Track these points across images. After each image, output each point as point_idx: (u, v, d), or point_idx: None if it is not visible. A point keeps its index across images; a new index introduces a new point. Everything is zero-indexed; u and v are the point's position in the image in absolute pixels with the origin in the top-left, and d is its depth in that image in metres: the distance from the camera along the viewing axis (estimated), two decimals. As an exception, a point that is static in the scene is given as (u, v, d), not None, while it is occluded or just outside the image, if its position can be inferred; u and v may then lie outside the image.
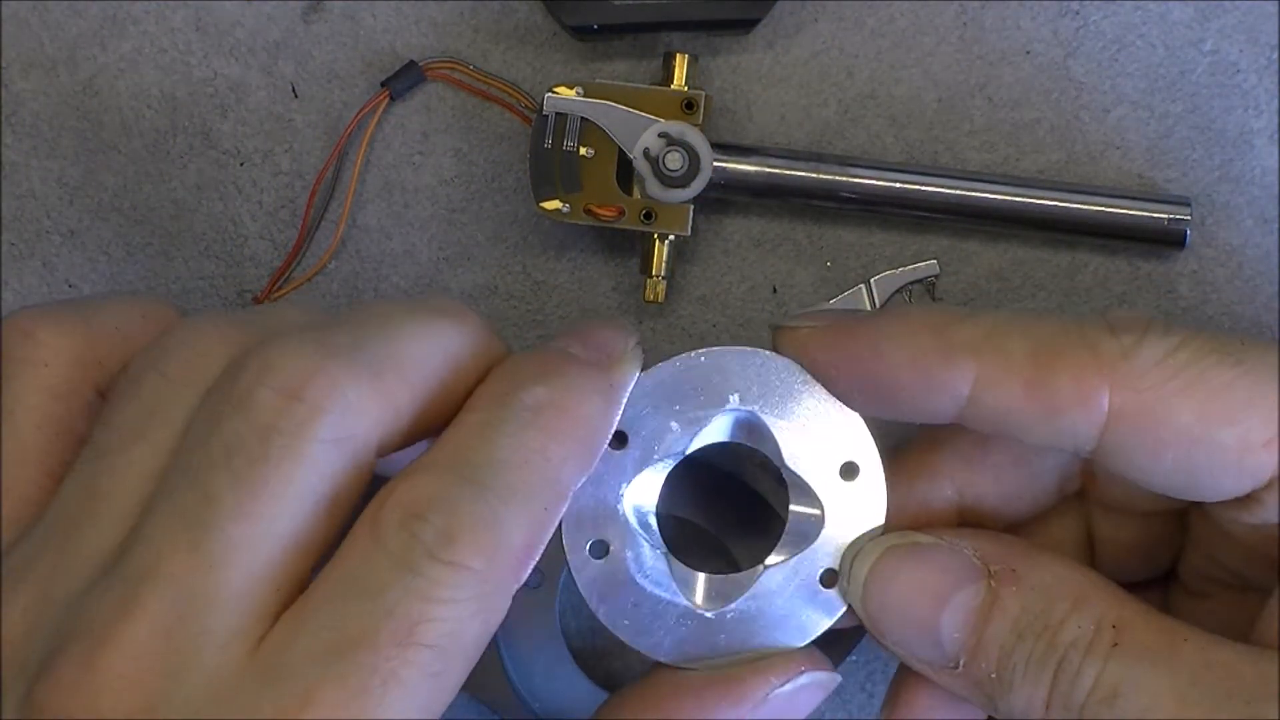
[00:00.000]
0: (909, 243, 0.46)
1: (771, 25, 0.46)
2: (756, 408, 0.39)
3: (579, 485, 0.34)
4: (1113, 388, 0.34)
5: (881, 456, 0.39)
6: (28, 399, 0.34)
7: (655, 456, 0.38)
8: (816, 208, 0.45)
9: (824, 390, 0.39)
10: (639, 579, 0.38)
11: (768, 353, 0.38)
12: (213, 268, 0.46)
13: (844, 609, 0.38)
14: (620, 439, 0.38)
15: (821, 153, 0.45)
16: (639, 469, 0.38)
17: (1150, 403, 0.34)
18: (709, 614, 0.38)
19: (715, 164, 0.43)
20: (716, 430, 0.39)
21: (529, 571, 0.33)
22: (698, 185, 0.43)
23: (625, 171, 0.44)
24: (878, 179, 0.44)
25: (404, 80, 0.45)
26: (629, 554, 0.38)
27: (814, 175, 0.44)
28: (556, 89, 0.43)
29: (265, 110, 0.46)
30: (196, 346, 0.33)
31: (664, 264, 0.44)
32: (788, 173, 0.44)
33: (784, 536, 0.39)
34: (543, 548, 0.33)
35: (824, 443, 0.39)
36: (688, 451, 0.39)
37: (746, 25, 0.44)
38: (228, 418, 0.32)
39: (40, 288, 0.46)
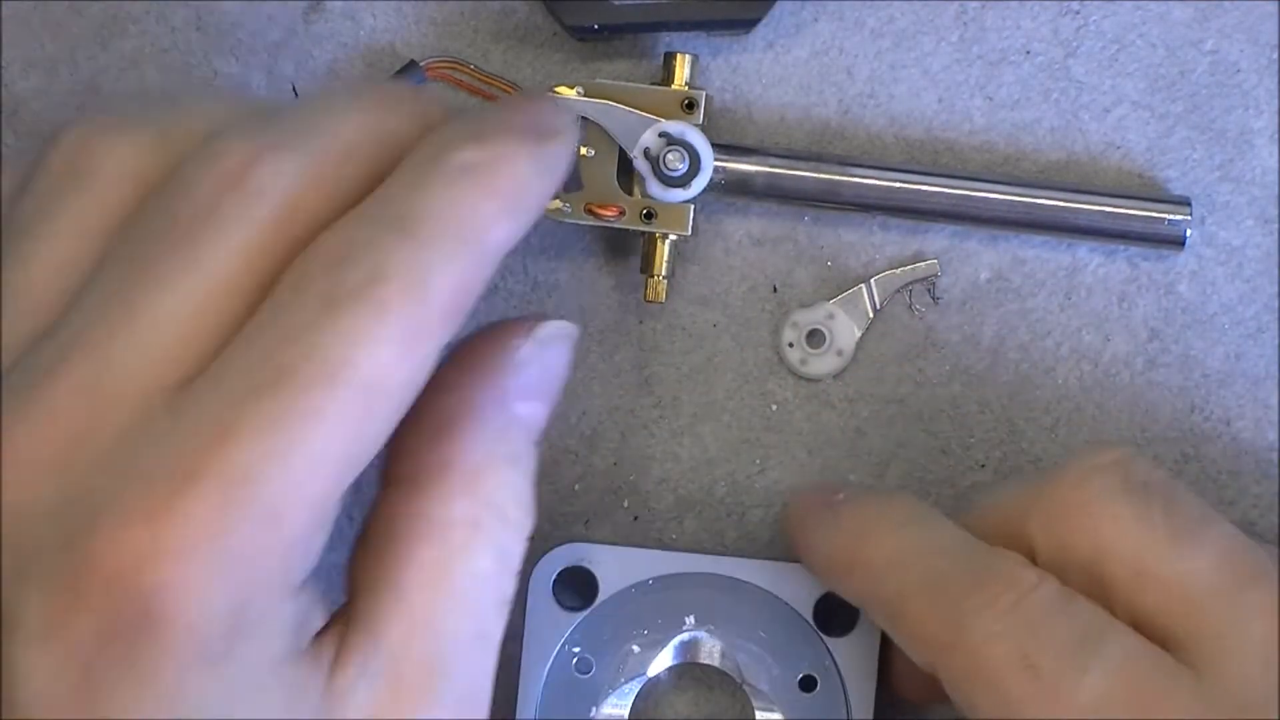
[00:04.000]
0: (909, 243, 0.46)
1: (772, 25, 0.46)
2: (711, 628, 0.43)
3: (509, 246, 0.34)
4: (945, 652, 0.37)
5: (841, 669, 0.43)
6: None
7: (620, 679, 0.43)
8: (818, 207, 0.45)
9: (778, 603, 0.43)
10: None
11: (723, 563, 0.43)
12: (213, 267, 0.46)
13: None
14: (586, 665, 0.43)
15: (822, 153, 0.45)
16: (606, 693, 0.43)
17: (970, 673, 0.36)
18: None
19: (716, 163, 0.43)
20: (676, 650, 0.43)
21: (455, 328, 0.32)
22: (698, 185, 0.43)
23: (626, 171, 0.44)
24: (879, 179, 0.44)
25: (404, 80, 0.45)
26: None
27: (815, 175, 0.44)
28: (557, 89, 0.43)
29: (265, 110, 0.46)
30: (116, 152, 0.34)
31: (665, 263, 0.44)
32: (789, 173, 0.44)
33: None
34: (469, 305, 0.33)
35: (781, 656, 0.43)
36: (649, 674, 0.43)
37: (746, 25, 0.44)
38: (169, 200, 0.32)
39: (41, 287, 0.46)
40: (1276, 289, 0.46)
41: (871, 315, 0.46)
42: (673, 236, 0.44)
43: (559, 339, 0.38)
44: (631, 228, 0.44)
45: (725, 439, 0.46)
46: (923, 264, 0.46)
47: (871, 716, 0.43)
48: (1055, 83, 0.46)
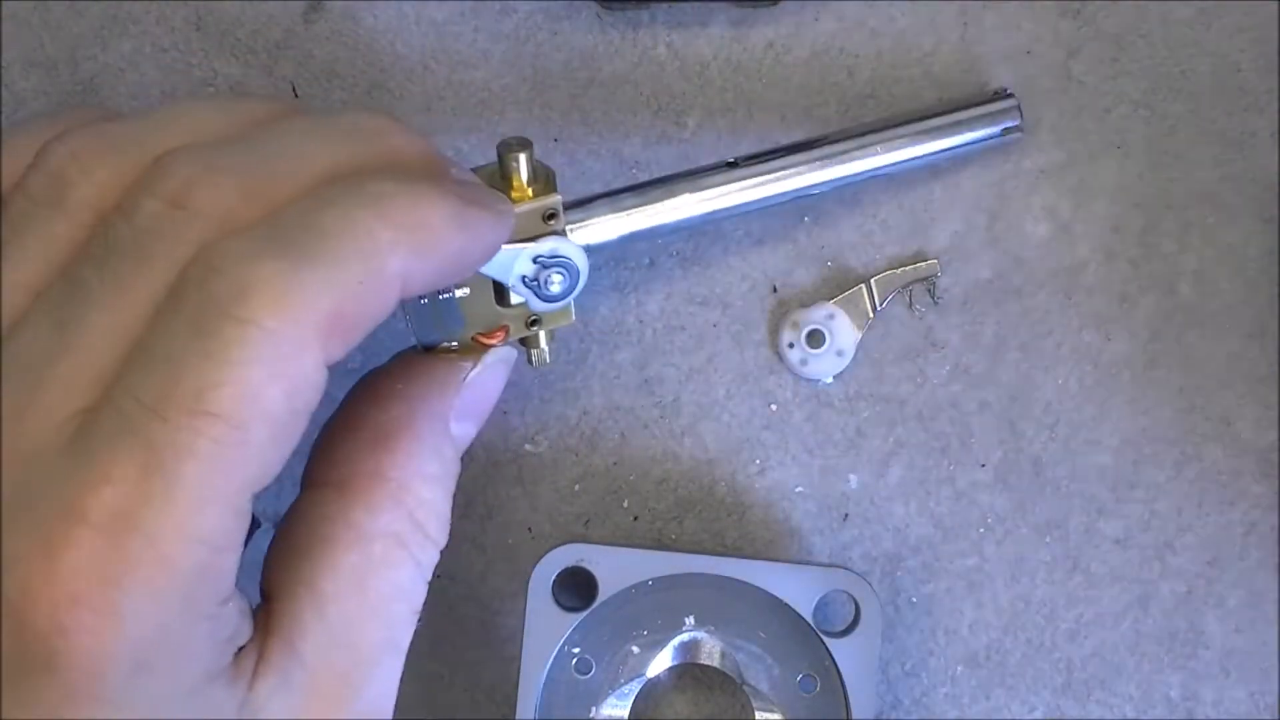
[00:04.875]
0: (909, 243, 0.46)
1: (772, 25, 0.46)
2: (711, 628, 0.44)
3: (414, 286, 0.33)
4: None
5: (841, 669, 0.43)
6: None
7: (620, 680, 0.44)
8: (683, 232, 0.44)
9: (778, 603, 0.43)
10: None
11: (723, 563, 0.43)
12: (213, 267, 0.46)
13: None
14: (585, 665, 0.43)
15: (665, 175, 0.43)
16: (606, 694, 0.44)
17: None
18: None
19: (579, 241, 0.41)
20: (676, 651, 0.44)
21: (340, 348, 0.31)
22: (578, 287, 0.40)
23: (499, 285, 0.40)
24: (721, 188, 0.42)
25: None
26: None
27: (664, 204, 0.42)
28: None
29: (265, 110, 0.46)
30: (85, 178, 0.33)
31: (546, 343, 0.41)
32: (641, 215, 0.42)
33: None
34: (357, 329, 0.32)
35: (781, 656, 0.44)
36: (648, 675, 0.44)
37: None
38: (112, 225, 0.32)
39: (41, 287, 0.46)
40: (1276, 289, 0.46)
41: (871, 315, 0.46)
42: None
43: (500, 363, 0.39)
44: (520, 337, 0.41)
45: (725, 439, 0.46)
46: (923, 264, 0.46)
47: (871, 716, 0.43)
48: (1055, 83, 0.46)
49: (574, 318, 0.41)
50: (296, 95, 0.46)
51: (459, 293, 0.39)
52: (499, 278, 0.39)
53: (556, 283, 0.40)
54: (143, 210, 0.32)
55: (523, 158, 0.39)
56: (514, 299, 0.40)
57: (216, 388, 0.30)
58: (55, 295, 0.32)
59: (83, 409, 0.31)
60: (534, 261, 0.39)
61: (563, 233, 0.39)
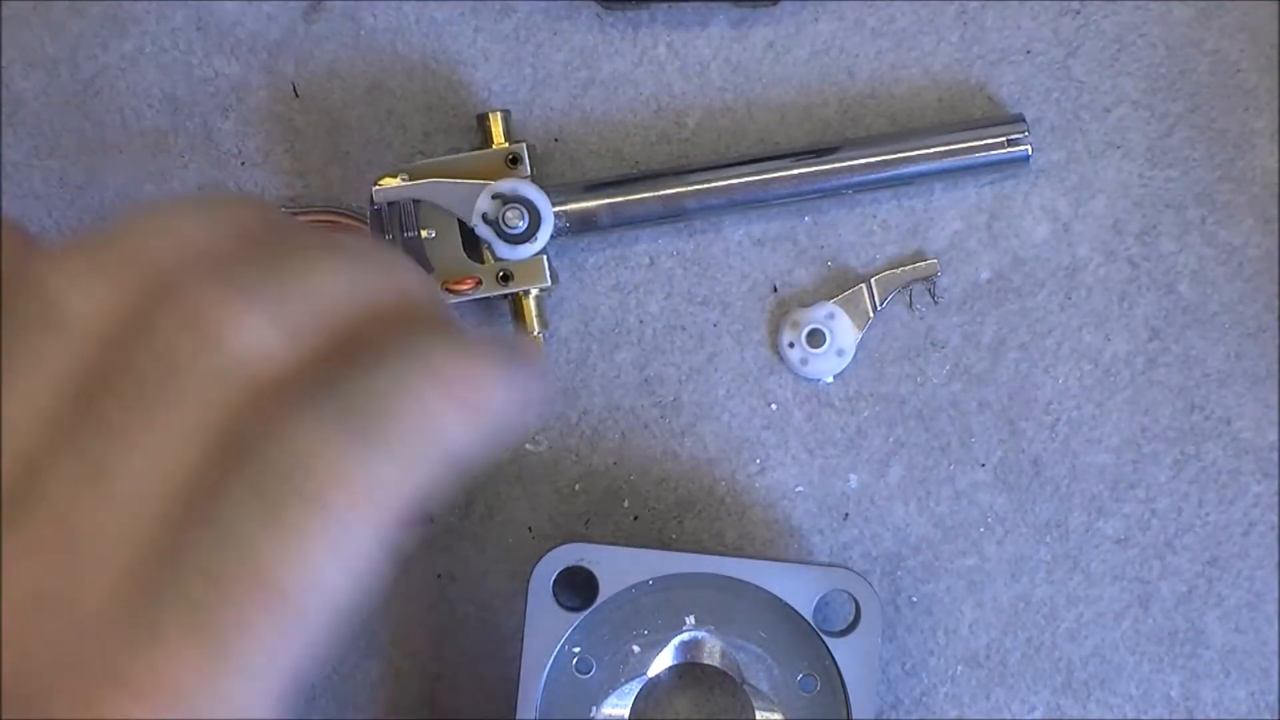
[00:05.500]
0: (909, 243, 0.46)
1: (772, 25, 0.46)
2: (711, 628, 0.44)
3: (465, 462, 0.33)
4: None
5: (841, 669, 0.43)
6: None
7: (621, 679, 0.44)
8: (669, 222, 0.45)
9: (778, 603, 0.43)
10: None
11: (723, 563, 0.43)
12: (213, 267, 0.46)
13: None
14: (586, 665, 0.44)
15: (657, 168, 0.45)
16: (606, 693, 0.44)
17: None
18: None
19: (555, 209, 0.43)
20: (676, 650, 0.44)
21: (402, 530, 0.32)
22: (543, 236, 0.42)
23: (472, 241, 0.43)
24: (716, 181, 0.44)
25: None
26: None
27: (656, 194, 0.44)
28: (381, 181, 0.43)
29: (266, 110, 0.46)
30: (84, 300, 0.32)
31: (535, 319, 0.44)
32: (629, 199, 0.44)
33: None
34: (418, 513, 0.32)
35: (781, 656, 0.44)
36: (649, 674, 0.44)
37: None
38: (128, 347, 0.31)
39: (41, 287, 0.46)
40: (1276, 289, 0.46)
41: (871, 315, 0.46)
42: (535, 291, 0.43)
43: None
44: (492, 294, 0.43)
45: (725, 439, 0.46)
46: (923, 264, 0.46)
47: (871, 716, 0.43)
48: (1055, 83, 0.46)
49: (549, 280, 0.43)
50: (297, 95, 0.46)
51: (425, 234, 0.42)
52: (462, 215, 0.41)
53: (515, 220, 0.41)
54: (161, 335, 0.31)
55: (500, 115, 0.43)
56: (484, 255, 0.42)
57: (284, 566, 0.29)
58: (79, 432, 0.31)
59: (134, 567, 0.30)
60: (494, 198, 0.42)
61: (527, 177, 0.42)
